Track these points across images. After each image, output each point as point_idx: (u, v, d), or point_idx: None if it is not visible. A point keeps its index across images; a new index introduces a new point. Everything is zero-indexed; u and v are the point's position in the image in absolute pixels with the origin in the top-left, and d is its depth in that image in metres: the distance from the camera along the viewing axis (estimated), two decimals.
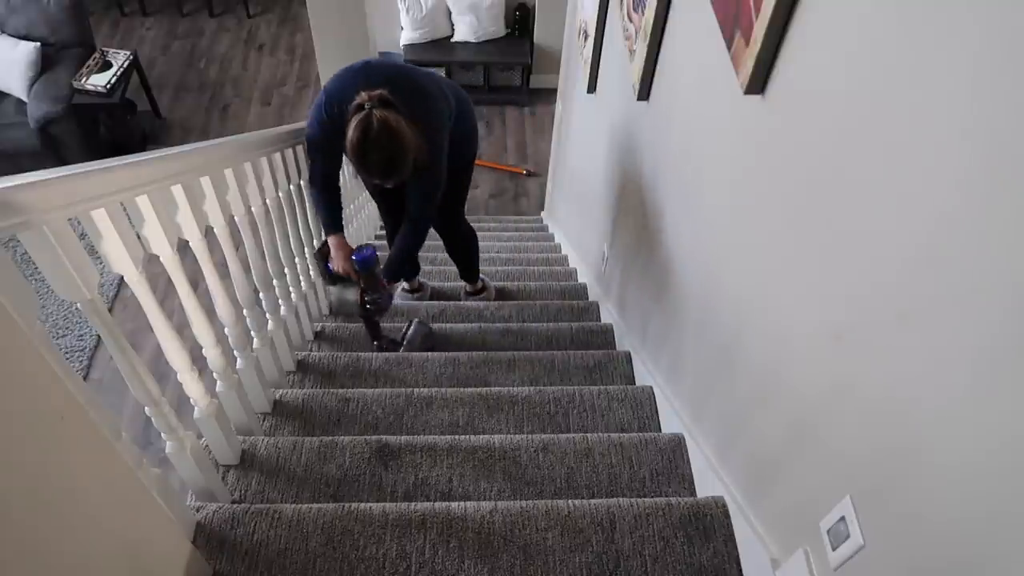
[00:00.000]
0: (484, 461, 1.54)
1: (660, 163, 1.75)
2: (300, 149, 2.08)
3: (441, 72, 5.00)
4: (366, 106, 1.60)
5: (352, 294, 2.11)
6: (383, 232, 3.95)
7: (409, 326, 2.25)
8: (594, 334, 2.35)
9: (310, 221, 2.21)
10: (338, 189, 2.00)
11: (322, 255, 2.07)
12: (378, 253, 2.00)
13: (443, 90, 1.92)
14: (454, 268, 2.73)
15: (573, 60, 3.23)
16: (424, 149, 1.70)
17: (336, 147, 1.88)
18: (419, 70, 1.93)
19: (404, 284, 2.67)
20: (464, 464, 1.53)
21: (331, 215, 2.01)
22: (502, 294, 2.80)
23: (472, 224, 2.52)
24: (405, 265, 2.13)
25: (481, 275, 2.73)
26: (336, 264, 2.02)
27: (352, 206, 3.11)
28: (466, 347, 2.27)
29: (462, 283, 2.77)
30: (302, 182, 2.13)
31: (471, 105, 2.13)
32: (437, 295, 2.80)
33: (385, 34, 4.99)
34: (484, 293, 2.77)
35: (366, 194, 3.60)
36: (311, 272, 2.24)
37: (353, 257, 1.97)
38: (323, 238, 2.06)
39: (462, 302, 2.70)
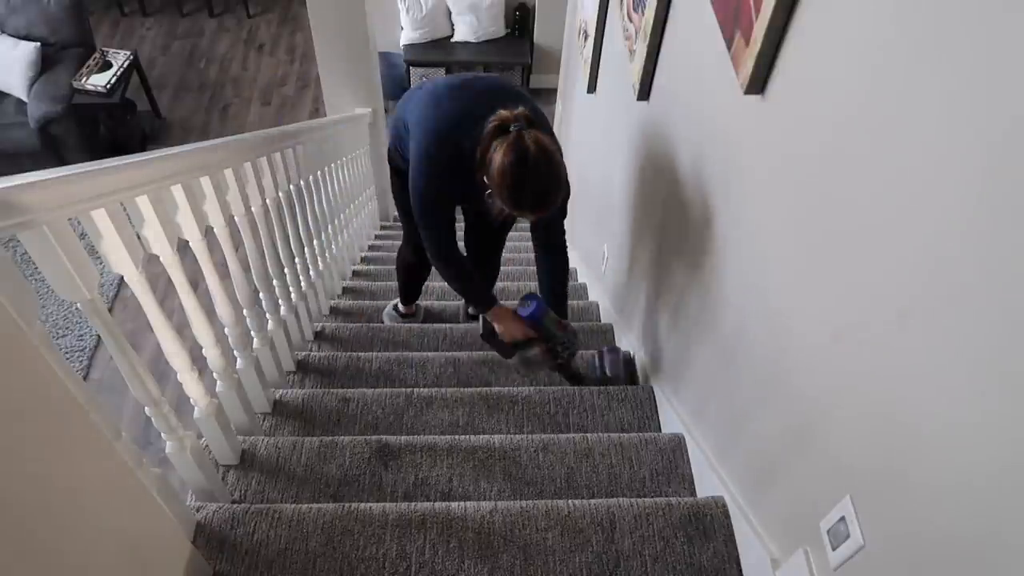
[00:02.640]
0: (484, 461, 1.54)
1: (659, 163, 1.75)
2: (300, 149, 2.08)
3: (441, 72, 4.99)
4: (512, 128, 1.35)
5: (536, 353, 1.88)
6: (382, 232, 3.95)
7: (601, 358, 2.00)
8: (594, 334, 2.35)
9: (309, 221, 2.21)
10: (463, 255, 1.75)
11: (489, 331, 1.85)
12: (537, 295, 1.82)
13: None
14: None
15: (573, 60, 3.23)
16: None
17: (455, 195, 1.64)
18: (501, 77, 1.71)
19: (400, 307, 2.50)
20: (464, 464, 1.53)
21: (477, 287, 1.78)
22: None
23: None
24: (568, 298, 1.91)
25: None
26: (508, 334, 1.80)
27: (353, 205, 3.11)
28: (466, 347, 2.27)
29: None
30: (302, 189, 2.13)
31: None
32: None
33: (385, 34, 4.99)
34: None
35: (368, 192, 3.59)
36: (311, 272, 2.24)
37: (523, 317, 1.76)
38: (480, 315, 1.84)
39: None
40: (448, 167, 1.50)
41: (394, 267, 2.38)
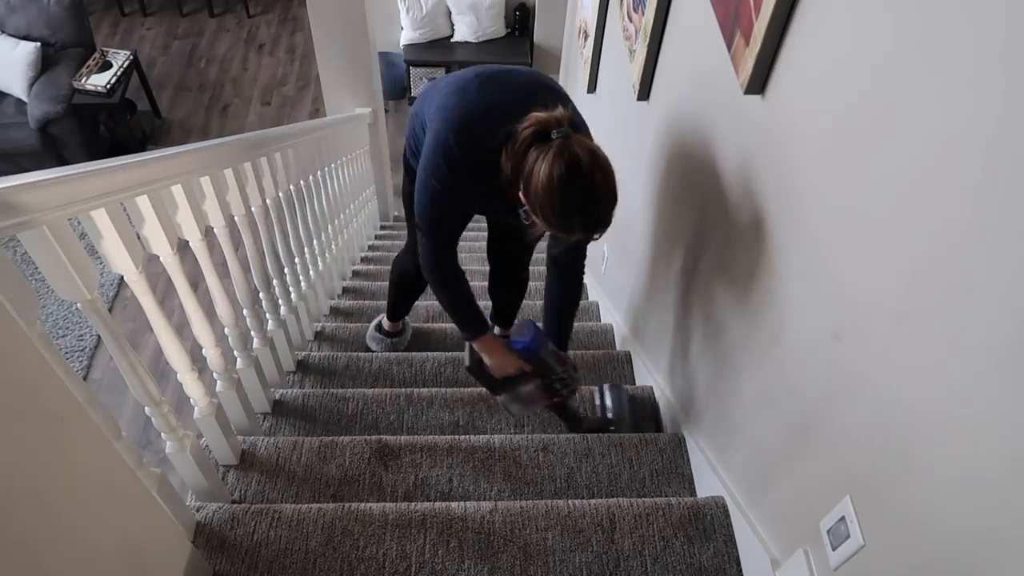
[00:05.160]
0: (484, 461, 1.54)
1: (659, 163, 1.75)
2: (300, 149, 2.07)
3: (441, 72, 4.99)
4: (555, 134, 1.12)
5: (530, 390, 1.58)
6: (382, 232, 3.94)
7: (602, 395, 1.78)
8: (594, 334, 2.35)
9: (309, 221, 2.21)
10: (462, 271, 1.49)
11: (476, 363, 1.57)
12: (537, 323, 1.56)
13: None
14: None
15: (573, 60, 3.23)
16: None
17: (470, 200, 1.41)
18: (539, 72, 1.40)
19: (384, 323, 2.23)
20: (464, 464, 1.53)
21: (470, 308, 1.51)
22: None
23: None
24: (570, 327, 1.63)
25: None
26: (499, 369, 1.54)
27: (353, 205, 3.11)
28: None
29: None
30: (302, 189, 2.13)
31: None
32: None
33: (385, 34, 4.99)
34: None
35: (368, 192, 3.58)
36: (310, 272, 2.24)
37: (516, 348, 1.50)
38: (466, 347, 1.57)
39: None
40: (466, 165, 1.28)
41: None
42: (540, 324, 1.60)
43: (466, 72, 1.37)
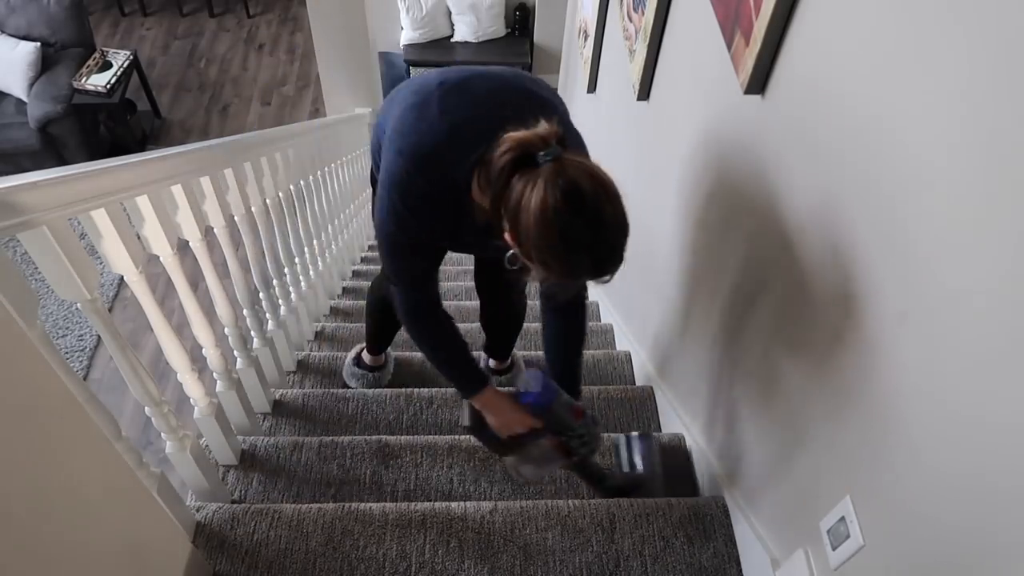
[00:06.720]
0: (484, 461, 1.54)
1: (658, 163, 1.75)
2: (301, 149, 2.07)
3: None
4: (542, 158, 0.87)
5: (546, 449, 1.31)
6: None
7: (629, 448, 1.46)
8: (594, 334, 2.35)
9: (309, 221, 2.21)
10: (448, 316, 1.25)
11: (478, 421, 1.28)
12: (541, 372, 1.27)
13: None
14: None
15: (573, 60, 3.23)
16: None
17: (438, 239, 1.18)
18: (518, 75, 1.17)
19: (365, 355, 1.93)
20: (464, 464, 1.53)
21: (463, 362, 1.26)
22: None
23: None
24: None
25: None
26: (505, 428, 1.26)
27: (353, 205, 3.08)
28: None
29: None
30: (302, 189, 2.13)
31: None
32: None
33: (385, 34, 4.99)
34: (512, 372, 1.99)
35: (368, 192, 3.54)
36: (311, 272, 2.24)
37: (524, 402, 1.24)
38: (463, 401, 1.28)
39: (464, 302, 2.68)
40: (428, 204, 1.07)
41: None
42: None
43: (428, 78, 1.12)
